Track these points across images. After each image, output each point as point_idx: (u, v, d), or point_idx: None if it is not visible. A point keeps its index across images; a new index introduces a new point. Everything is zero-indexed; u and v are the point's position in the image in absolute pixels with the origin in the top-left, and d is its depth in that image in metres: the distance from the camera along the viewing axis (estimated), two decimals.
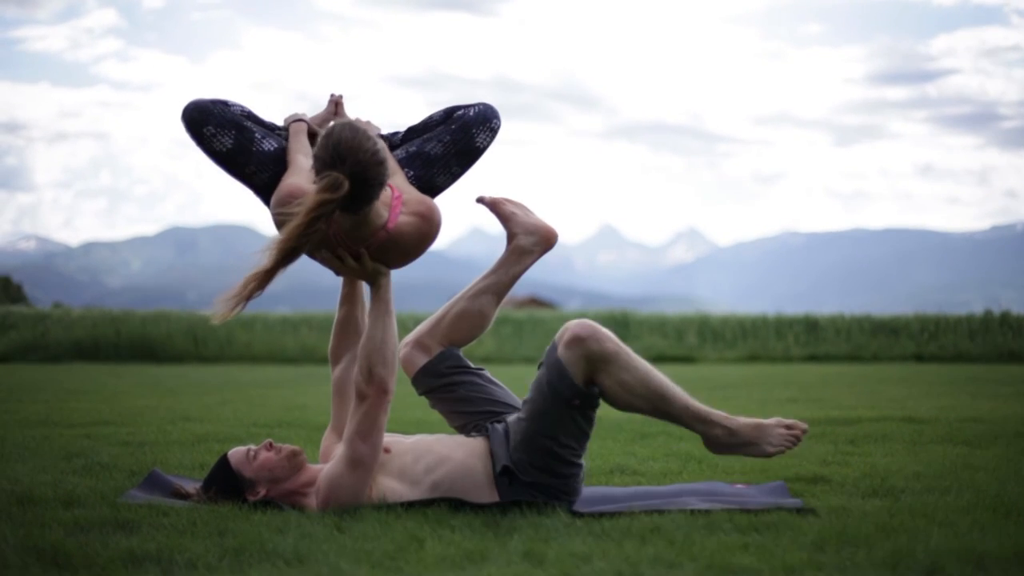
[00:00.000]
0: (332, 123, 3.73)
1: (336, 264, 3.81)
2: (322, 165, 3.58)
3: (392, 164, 3.89)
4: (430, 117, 4.12)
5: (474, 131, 4.04)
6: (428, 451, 3.89)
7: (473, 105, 4.09)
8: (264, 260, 3.58)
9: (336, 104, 4.34)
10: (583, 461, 3.88)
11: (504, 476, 3.81)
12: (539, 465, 3.79)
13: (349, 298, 4.12)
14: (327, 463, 3.94)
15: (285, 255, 3.58)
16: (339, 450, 3.90)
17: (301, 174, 3.88)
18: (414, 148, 4.02)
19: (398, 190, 3.84)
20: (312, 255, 3.81)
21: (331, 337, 4.17)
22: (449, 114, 4.10)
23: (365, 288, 4.03)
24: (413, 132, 4.12)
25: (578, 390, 3.74)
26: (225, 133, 3.84)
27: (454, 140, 4.01)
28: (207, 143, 3.86)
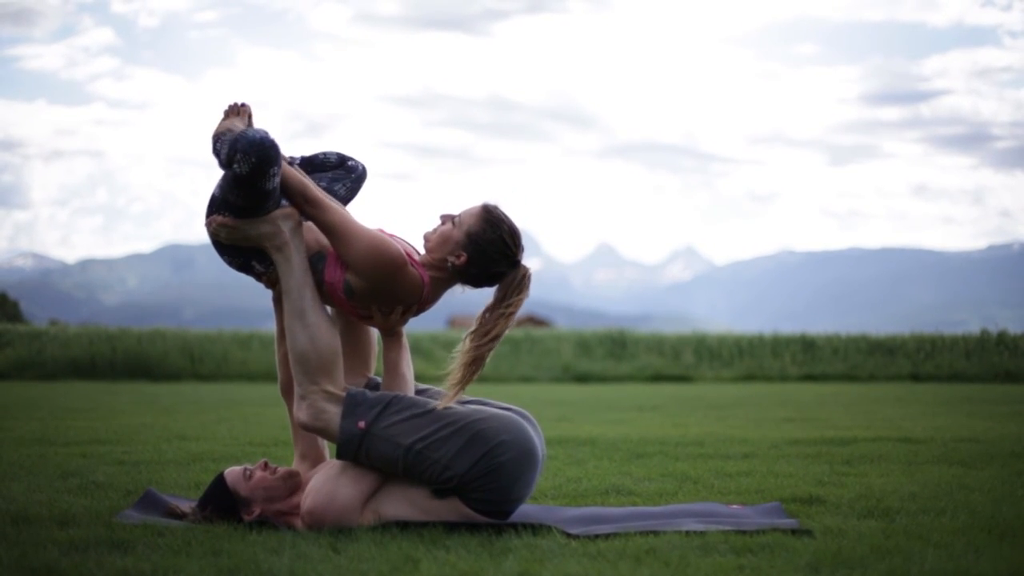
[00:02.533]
0: (491, 205, 3.97)
1: (379, 317, 3.97)
2: (505, 251, 3.91)
3: None
4: (325, 156, 4.26)
5: (361, 185, 4.30)
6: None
7: (358, 161, 4.29)
8: (498, 328, 3.89)
9: (249, 116, 4.25)
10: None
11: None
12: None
13: None
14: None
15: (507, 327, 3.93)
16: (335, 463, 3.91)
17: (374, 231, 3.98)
18: (324, 184, 4.15)
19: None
20: (365, 310, 3.95)
21: (279, 372, 4.18)
22: (343, 161, 4.26)
23: None
24: (309, 164, 4.24)
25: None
26: (278, 174, 3.87)
27: (351, 187, 4.24)
28: (265, 181, 3.82)
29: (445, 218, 3.98)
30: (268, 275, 4.03)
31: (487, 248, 3.89)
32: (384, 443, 3.79)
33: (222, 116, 4.13)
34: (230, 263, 4.06)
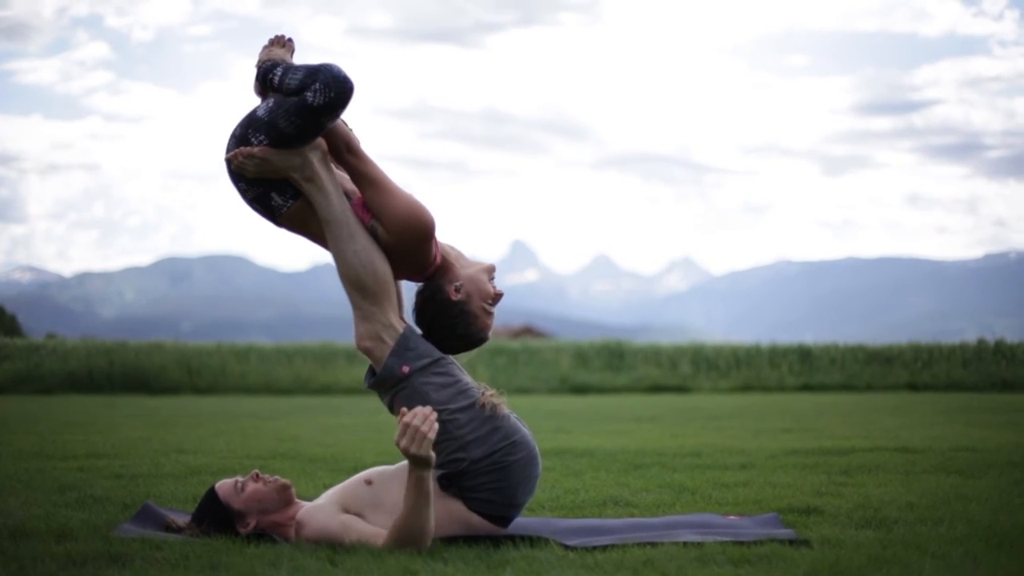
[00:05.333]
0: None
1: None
2: (450, 331, 3.99)
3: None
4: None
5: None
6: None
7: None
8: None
9: (292, 52, 4.12)
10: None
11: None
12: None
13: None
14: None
15: None
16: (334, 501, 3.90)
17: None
18: None
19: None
20: None
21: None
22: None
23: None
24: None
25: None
26: (340, 117, 3.87)
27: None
28: (330, 119, 3.80)
29: (491, 272, 4.06)
30: (286, 209, 3.92)
31: (454, 313, 3.96)
32: (416, 396, 3.82)
33: (266, 45, 4.05)
34: (245, 193, 3.94)
